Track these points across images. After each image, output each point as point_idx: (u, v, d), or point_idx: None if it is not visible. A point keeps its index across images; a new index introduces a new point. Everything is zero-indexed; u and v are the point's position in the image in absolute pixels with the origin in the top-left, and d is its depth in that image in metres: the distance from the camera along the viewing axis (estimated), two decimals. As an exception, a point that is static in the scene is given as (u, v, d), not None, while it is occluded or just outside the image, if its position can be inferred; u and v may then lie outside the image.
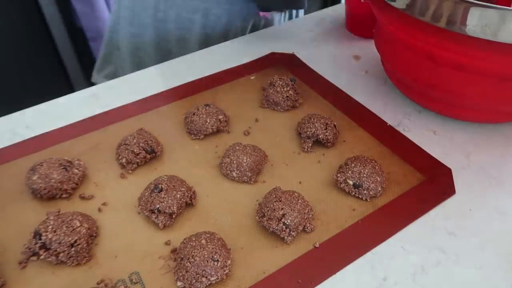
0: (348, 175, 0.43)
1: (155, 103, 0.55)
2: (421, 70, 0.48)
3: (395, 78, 0.56)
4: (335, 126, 0.49)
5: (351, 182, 0.43)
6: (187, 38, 0.73)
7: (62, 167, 0.43)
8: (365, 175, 0.42)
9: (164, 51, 0.74)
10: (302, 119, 0.50)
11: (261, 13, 0.74)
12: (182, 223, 0.41)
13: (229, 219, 0.41)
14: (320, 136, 0.48)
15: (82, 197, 0.43)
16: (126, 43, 0.76)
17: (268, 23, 0.77)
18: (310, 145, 0.48)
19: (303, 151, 0.49)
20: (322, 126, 0.48)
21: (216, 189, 0.44)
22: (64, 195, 0.43)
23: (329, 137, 0.48)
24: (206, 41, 0.73)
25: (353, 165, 0.43)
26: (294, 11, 0.83)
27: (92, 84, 0.61)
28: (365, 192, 0.42)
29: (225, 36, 0.73)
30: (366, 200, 0.43)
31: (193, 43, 0.73)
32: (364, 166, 0.43)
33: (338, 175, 0.44)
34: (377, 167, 0.43)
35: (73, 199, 0.43)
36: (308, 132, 0.48)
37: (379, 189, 0.43)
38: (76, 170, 0.44)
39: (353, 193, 0.43)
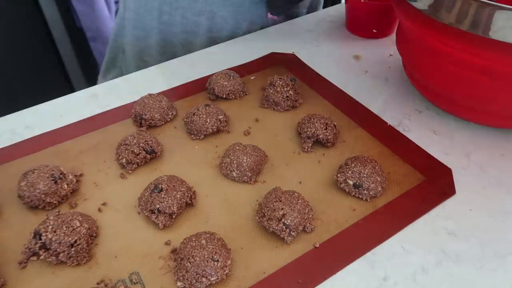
0: (348, 175, 0.43)
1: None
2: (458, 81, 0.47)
3: (420, 83, 0.55)
4: (335, 126, 0.49)
5: (351, 182, 0.43)
6: (192, 41, 0.72)
7: (51, 179, 0.42)
8: (365, 175, 0.42)
9: (169, 55, 0.73)
10: (302, 119, 0.50)
11: (269, 16, 0.73)
12: (182, 223, 0.41)
13: (229, 219, 0.41)
14: (320, 136, 0.48)
15: (74, 204, 0.43)
16: (131, 47, 0.75)
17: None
18: (310, 145, 0.48)
19: (303, 151, 0.49)
20: (322, 126, 0.48)
21: (216, 189, 0.44)
22: (47, 208, 0.42)
23: (329, 137, 0.48)
24: (212, 44, 0.72)
25: (353, 165, 0.43)
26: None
27: (92, 84, 0.61)
28: (365, 192, 0.42)
29: (231, 39, 0.72)
30: (366, 200, 0.43)
31: (198, 46, 0.72)
32: (364, 166, 0.43)
33: (338, 175, 0.44)
34: (377, 167, 0.43)
35: (72, 199, 0.43)
36: (308, 132, 0.48)
37: (379, 189, 0.43)
38: (65, 185, 0.42)
39: (353, 193, 0.43)
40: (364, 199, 0.43)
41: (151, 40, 0.73)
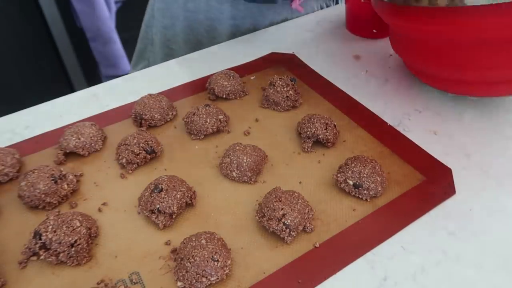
0: (348, 175, 0.43)
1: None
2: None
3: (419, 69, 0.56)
4: (335, 126, 0.49)
5: (351, 182, 0.43)
6: (216, 29, 0.73)
7: (51, 179, 0.42)
8: (365, 175, 0.42)
9: (193, 42, 0.75)
10: (302, 119, 0.50)
11: (293, 6, 0.72)
12: (182, 223, 0.41)
13: (229, 219, 0.41)
14: (320, 136, 0.48)
15: (74, 204, 0.43)
16: (159, 36, 0.76)
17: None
18: (310, 145, 0.48)
19: (303, 151, 0.49)
20: (322, 126, 0.48)
21: (216, 189, 0.44)
22: (47, 208, 0.42)
23: (329, 137, 0.48)
24: (235, 33, 0.73)
25: (353, 165, 0.43)
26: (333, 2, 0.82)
27: (92, 84, 0.61)
28: (365, 192, 0.42)
29: (254, 29, 0.73)
30: (366, 200, 0.43)
31: (222, 34, 0.73)
32: (364, 166, 0.43)
33: (338, 175, 0.44)
34: (377, 167, 0.43)
35: (72, 199, 0.43)
36: (308, 132, 0.48)
37: (379, 189, 0.43)
38: (65, 185, 0.42)
39: (353, 193, 0.43)
40: (364, 199, 0.43)
41: (177, 28, 0.74)
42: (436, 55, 0.49)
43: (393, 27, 0.53)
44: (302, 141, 0.49)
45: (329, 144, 0.49)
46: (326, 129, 0.48)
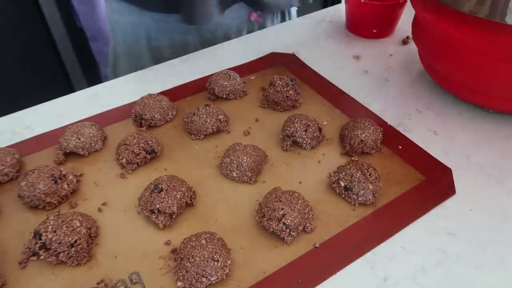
0: (341, 176, 0.42)
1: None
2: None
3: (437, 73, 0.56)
4: (320, 129, 0.49)
5: (342, 184, 0.42)
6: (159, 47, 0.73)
7: (51, 179, 0.42)
8: (356, 179, 0.41)
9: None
10: (288, 117, 0.50)
11: (252, 19, 0.74)
12: (182, 223, 0.41)
13: (229, 219, 0.41)
14: (298, 138, 0.47)
15: (74, 204, 0.43)
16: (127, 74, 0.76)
17: (262, 27, 0.77)
18: (289, 143, 0.48)
19: (283, 149, 0.48)
20: (302, 127, 0.47)
21: (216, 189, 0.44)
22: (47, 208, 0.42)
23: (306, 140, 0.47)
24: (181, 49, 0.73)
25: (348, 167, 0.43)
26: (286, 13, 0.82)
27: (92, 84, 0.61)
28: (354, 196, 0.42)
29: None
30: (354, 204, 0.42)
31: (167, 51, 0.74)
32: (360, 171, 0.42)
33: (332, 174, 0.44)
34: (373, 175, 0.42)
35: (72, 199, 0.43)
36: (287, 131, 0.48)
37: (370, 197, 0.41)
38: (65, 186, 0.42)
39: (343, 195, 0.42)
40: (352, 203, 0.42)
41: (145, 66, 0.74)
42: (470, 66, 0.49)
43: (424, 21, 0.52)
44: (281, 139, 0.49)
45: (307, 147, 0.48)
46: (306, 131, 0.47)
